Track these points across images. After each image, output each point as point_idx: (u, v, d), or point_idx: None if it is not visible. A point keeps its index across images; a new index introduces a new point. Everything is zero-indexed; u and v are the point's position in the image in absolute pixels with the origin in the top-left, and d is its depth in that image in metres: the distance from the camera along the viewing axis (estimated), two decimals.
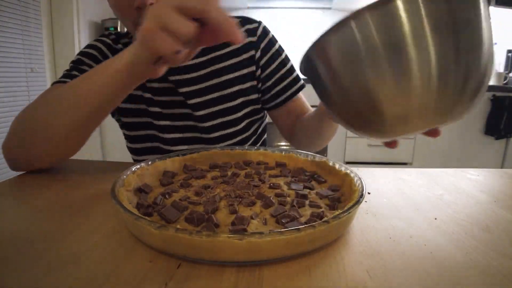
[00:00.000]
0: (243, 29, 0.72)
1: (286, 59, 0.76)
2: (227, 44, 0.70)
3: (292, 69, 0.76)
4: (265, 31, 0.74)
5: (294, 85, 0.75)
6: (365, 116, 0.34)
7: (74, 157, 0.56)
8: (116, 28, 2.09)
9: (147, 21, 0.34)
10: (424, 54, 0.28)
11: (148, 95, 0.70)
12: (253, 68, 0.72)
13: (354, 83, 0.32)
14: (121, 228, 0.36)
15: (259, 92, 0.75)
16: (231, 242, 0.27)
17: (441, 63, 0.28)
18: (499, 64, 2.50)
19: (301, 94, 0.76)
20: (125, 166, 0.56)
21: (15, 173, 0.54)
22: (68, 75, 0.65)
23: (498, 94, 2.09)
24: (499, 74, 2.35)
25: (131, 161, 0.77)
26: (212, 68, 0.70)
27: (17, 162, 0.54)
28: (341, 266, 0.29)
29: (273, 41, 0.75)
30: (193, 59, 0.69)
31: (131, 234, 0.34)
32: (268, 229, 0.34)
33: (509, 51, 2.43)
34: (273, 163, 0.55)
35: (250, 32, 0.72)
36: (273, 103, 0.75)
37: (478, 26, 0.29)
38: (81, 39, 1.96)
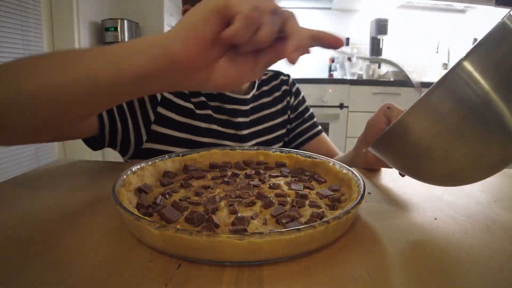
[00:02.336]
0: (279, 79, 0.86)
1: (308, 107, 0.89)
2: (272, 91, 0.84)
3: (312, 115, 0.88)
4: (294, 81, 0.89)
5: (315, 128, 0.86)
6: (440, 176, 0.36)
7: (74, 157, 0.56)
8: (116, 29, 2.09)
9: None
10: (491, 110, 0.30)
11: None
12: (289, 112, 0.84)
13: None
14: (121, 228, 0.36)
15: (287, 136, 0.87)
16: (231, 242, 0.27)
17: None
18: None
19: (326, 137, 0.87)
20: (125, 166, 0.56)
21: (15, 173, 0.54)
22: None
23: None
24: None
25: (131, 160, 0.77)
26: (260, 114, 0.80)
27: None
28: (341, 266, 0.29)
29: (299, 89, 0.89)
30: (249, 103, 0.78)
31: (131, 234, 0.34)
32: (268, 229, 0.34)
33: None
34: (273, 163, 0.55)
35: (285, 82, 0.86)
36: (295, 143, 0.85)
37: None
38: (81, 39, 1.96)
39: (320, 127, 0.87)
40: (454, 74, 0.29)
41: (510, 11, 0.30)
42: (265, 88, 0.84)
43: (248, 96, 0.77)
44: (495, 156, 0.32)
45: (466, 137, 0.31)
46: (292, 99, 0.86)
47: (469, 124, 0.30)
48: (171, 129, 0.67)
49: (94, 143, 0.63)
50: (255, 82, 0.81)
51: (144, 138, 0.66)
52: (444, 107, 0.30)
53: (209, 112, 0.71)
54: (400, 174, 0.47)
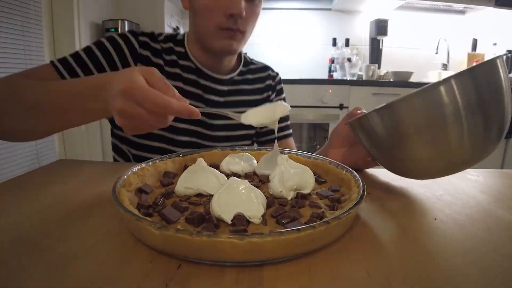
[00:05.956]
0: (267, 72, 0.87)
1: None
2: (255, 81, 0.85)
3: (287, 118, 0.89)
4: (280, 80, 0.91)
5: (286, 130, 0.88)
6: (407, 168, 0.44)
7: (75, 157, 0.56)
8: (116, 29, 2.09)
9: (120, 104, 0.38)
10: (459, 128, 0.36)
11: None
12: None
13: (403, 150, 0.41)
14: (122, 229, 0.36)
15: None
16: (232, 242, 0.27)
17: (472, 133, 0.37)
18: None
19: (293, 142, 0.89)
20: (125, 166, 0.56)
21: (15, 173, 0.54)
22: (67, 64, 0.65)
23: None
24: None
25: (130, 160, 0.77)
26: (237, 98, 0.81)
27: None
28: (341, 266, 0.30)
29: (283, 90, 0.91)
30: (227, 84, 0.79)
31: (131, 234, 0.34)
32: (268, 229, 0.34)
33: (508, 52, 2.43)
34: None
35: (271, 77, 0.87)
36: (265, 138, 0.88)
37: (501, 97, 0.37)
38: (82, 40, 1.96)
39: (291, 131, 0.89)
40: (439, 86, 0.34)
41: (507, 54, 0.36)
42: (249, 76, 0.84)
43: (225, 77, 0.78)
44: (446, 158, 0.39)
45: (428, 136, 0.37)
46: (274, 95, 0.87)
47: (435, 126, 0.36)
48: None
49: None
50: (238, 66, 0.82)
51: None
52: (421, 107, 0.36)
53: (180, 84, 0.74)
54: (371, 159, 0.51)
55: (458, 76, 0.35)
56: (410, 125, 0.37)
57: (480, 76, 0.35)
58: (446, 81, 0.34)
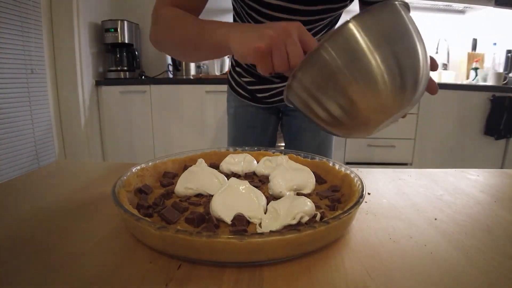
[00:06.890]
0: None
1: None
2: None
3: None
4: None
5: None
6: (347, 119, 0.38)
7: (74, 158, 0.56)
8: (116, 30, 2.09)
9: (264, 39, 0.39)
10: (374, 64, 0.35)
11: None
12: None
13: (335, 96, 0.37)
14: (122, 229, 0.36)
15: None
16: (231, 243, 0.27)
17: (387, 68, 0.35)
18: (498, 65, 2.50)
19: None
20: (125, 167, 0.56)
21: (15, 173, 0.54)
22: None
23: (498, 94, 2.09)
24: (498, 74, 2.35)
25: (131, 161, 0.77)
26: None
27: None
28: (341, 266, 0.30)
29: None
30: None
31: (131, 235, 0.34)
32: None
33: (508, 51, 2.43)
34: None
35: None
36: None
37: (408, 34, 0.38)
38: (81, 40, 1.96)
39: None
40: (343, 31, 0.34)
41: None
42: None
43: None
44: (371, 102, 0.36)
45: (350, 77, 0.35)
46: None
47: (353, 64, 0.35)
48: None
49: None
50: None
51: None
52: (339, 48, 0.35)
53: None
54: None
55: (357, 17, 0.35)
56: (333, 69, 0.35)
57: (383, 17, 0.36)
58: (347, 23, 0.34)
